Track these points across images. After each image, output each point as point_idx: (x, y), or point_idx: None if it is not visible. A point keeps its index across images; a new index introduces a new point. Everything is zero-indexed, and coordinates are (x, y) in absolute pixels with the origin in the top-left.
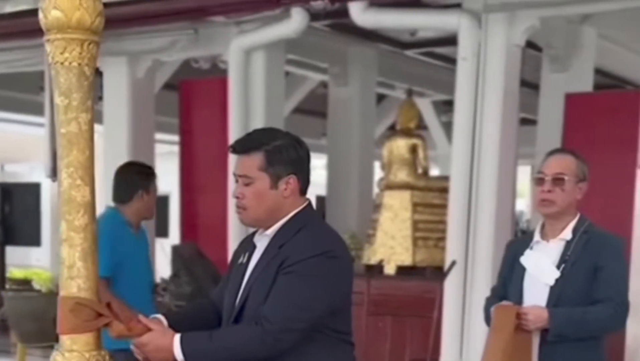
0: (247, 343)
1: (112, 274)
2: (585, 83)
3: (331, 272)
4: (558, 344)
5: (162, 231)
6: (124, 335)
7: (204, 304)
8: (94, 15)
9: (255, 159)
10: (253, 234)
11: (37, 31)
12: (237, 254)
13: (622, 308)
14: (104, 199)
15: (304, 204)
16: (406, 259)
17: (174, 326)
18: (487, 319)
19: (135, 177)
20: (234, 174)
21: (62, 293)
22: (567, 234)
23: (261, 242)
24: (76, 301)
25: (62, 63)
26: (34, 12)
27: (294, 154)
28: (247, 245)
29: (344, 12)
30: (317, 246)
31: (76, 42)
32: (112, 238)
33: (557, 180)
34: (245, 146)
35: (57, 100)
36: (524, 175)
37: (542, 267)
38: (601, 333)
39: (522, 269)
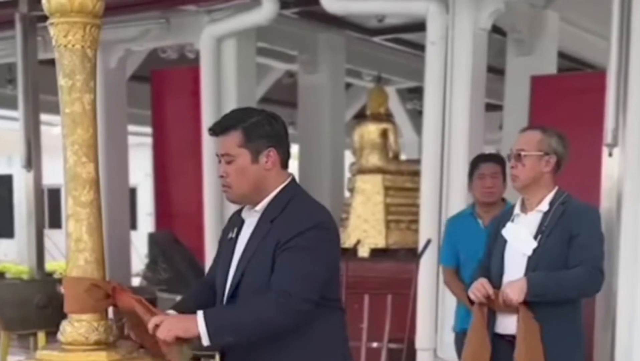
0: (271, 315)
1: (455, 266)
2: (549, 66)
3: (325, 242)
4: (535, 309)
5: (130, 224)
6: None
7: (200, 287)
8: (95, 0)
9: (234, 137)
10: (240, 210)
11: (7, 23)
12: (225, 231)
13: (596, 272)
14: None
15: (289, 179)
16: (379, 242)
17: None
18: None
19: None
20: (217, 155)
21: (70, 267)
22: (544, 206)
23: (250, 218)
24: (92, 282)
25: (65, 46)
26: (5, 4)
27: (270, 128)
28: (234, 221)
29: (314, 0)
30: (308, 219)
31: (79, 25)
32: (450, 231)
33: (517, 156)
34: (223, 126)
35: (62, 81)
36: None
37: (520, 238)
38: (576, 295)
39: (504, 241)
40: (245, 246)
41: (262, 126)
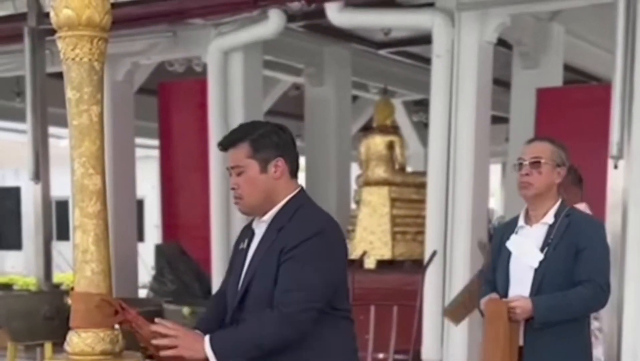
0: (272, 330)
1: None
2: (555, 79)
3: (325, 251)
4: (543, 329)
5: (138, 236)
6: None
7: (219, 299)
8: (103, 13)
9: (243, 149)
10: (251, 223)
11: (16, 36)
12: (237, 242)
13: (603, 288)
14: None
15: (297, 189)
16: (385, 254)
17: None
18: (479, 306)
19: None
20: (227, 168)
21: (77, 278)
22: (549, 218)
23: (259, 228)
24: (102, 298)
25: (73, 59)
26: (13, 18)
27: (277, 138)
28: (246, 233)
29: (320, 13)
30: (309, 228)
31: (86, 38)
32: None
33: (534, 163)
34: (231, 139)
35: (69, 94)
36: (494, 174)
37: (526, 250)
38: (583, 314)
39: (508, 253)
40: (253, 256)
41: (269, 137)
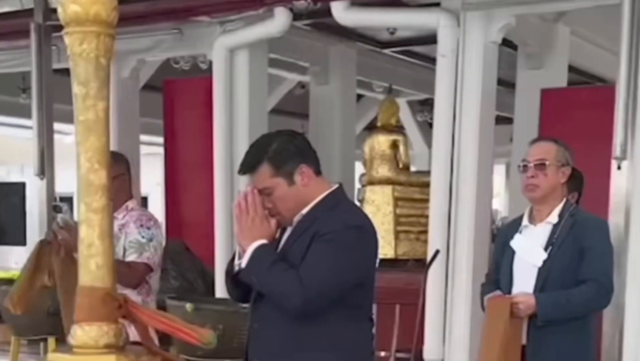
0: (287, 290)
1: None
2: (559, 79)
3: (360, 245)
4: (546, 327)
5: None
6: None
7: None
8: (110, 10)
9: (264, 171)
10: None
11: (23, 32)
12: None
13: (607, 288)
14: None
15: (336, 186)
16: (388, 253)
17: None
18: (483, 305)
19: None
20: (257, 188)
21: (82, 272)
22: (553, 217)
23: (295, 219)
24: (107, 292)
25: (80, 54)
26: (20, 14)
27: (293, 147)
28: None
29: (326, 12)
30: (350, 220)
31: (93, 34)
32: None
33: (539, 165)
34: (249, 164)
35: (76, 89)
36: (498, 174)
37: (530, 249)
38: (586, 313)
39: (512, 253)
40: (285, 241)
41: (285, 149)
